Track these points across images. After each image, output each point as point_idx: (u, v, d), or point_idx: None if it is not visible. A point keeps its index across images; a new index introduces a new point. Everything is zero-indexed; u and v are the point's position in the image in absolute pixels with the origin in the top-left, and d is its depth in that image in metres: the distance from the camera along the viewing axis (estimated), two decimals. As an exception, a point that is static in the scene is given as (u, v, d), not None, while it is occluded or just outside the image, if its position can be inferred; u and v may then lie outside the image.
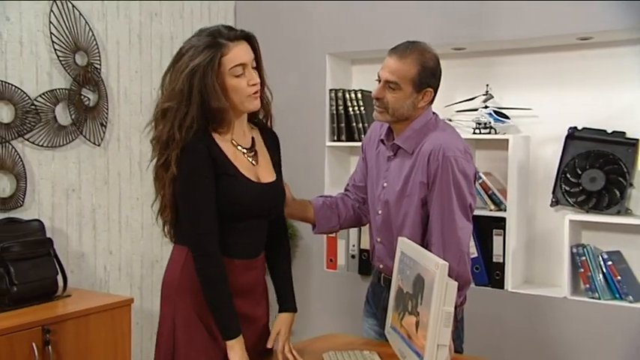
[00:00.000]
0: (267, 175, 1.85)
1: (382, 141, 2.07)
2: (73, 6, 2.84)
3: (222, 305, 1.73)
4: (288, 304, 1.95)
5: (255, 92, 1.76)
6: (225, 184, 1.74)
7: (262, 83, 1.81)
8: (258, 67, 1.81)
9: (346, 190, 2.24)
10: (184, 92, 1.69)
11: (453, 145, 1.92)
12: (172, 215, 1.79)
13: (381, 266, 2.10)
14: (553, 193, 2.89)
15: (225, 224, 1.76)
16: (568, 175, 2.82)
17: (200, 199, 1.72)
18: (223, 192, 1.73)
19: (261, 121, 1.92)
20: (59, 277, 2.53)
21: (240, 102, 1.76)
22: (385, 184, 2.03)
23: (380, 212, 2.05)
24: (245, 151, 1.81)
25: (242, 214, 1.78)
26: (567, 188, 2.82)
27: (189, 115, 1.69)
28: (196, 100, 1.69)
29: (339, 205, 2.17)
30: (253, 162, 1.82)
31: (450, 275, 1.65)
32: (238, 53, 1.73)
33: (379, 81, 1.98)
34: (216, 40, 1.71)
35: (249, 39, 1.78)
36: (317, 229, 2.16)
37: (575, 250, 2.76)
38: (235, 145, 1.80)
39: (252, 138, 1.86)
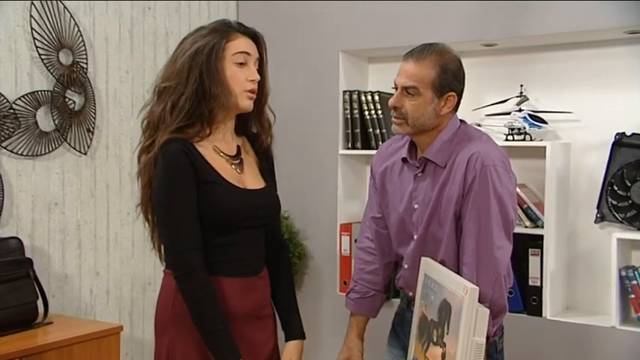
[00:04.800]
0: (253, 183, 1.88)
1: (404, 159, 2.06)
2: (57, -1, 2.86)
3: (214, 328, 1.72)
4: (294, 330, 1.95)
5: (252, 90, 1.83)
6: (207, 191, 1.76)
7: (265, 96, 1.89)
8: (261, 73, 1.87)
9: (365, 237, 2.20)
10: (184, 72, 1.77)
11: (492, 154, 1.91)
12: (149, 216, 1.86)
13: (410, 294, 2.08)
14: (598, 207, 2.86)
15: (215, 239, 1.77)
16: (615, 188, 2.79)
17: (178, 209, 1.74)
18: (206, 200, 1.76)
19: (254, 134, 1.96)
20: (39, 302, 2.53)
21: (234, 95, 1.80)
22: (416, 206, 2.01)
23: (415, 237, 2.03)
24: (228, 158, 1.84)
25: (228, 224, 1.79)
26: (614, 202, 2.80)
27: (184, 96, 1.76)
28: (195, 82, 1.76)
29: (372, 281, 2.18)
30: (238, 170, 1.85)
31: (482, 301, 1.63)
32: (244, 42, 1.82)
33: (396, 88, 1.98)
34: (223, 25, 1.83)
35: (257, 38, 1.86)
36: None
37: (624, 273, 2.73)
38: (218, 151, 1.83)
39: (238, 146, 1.90)
